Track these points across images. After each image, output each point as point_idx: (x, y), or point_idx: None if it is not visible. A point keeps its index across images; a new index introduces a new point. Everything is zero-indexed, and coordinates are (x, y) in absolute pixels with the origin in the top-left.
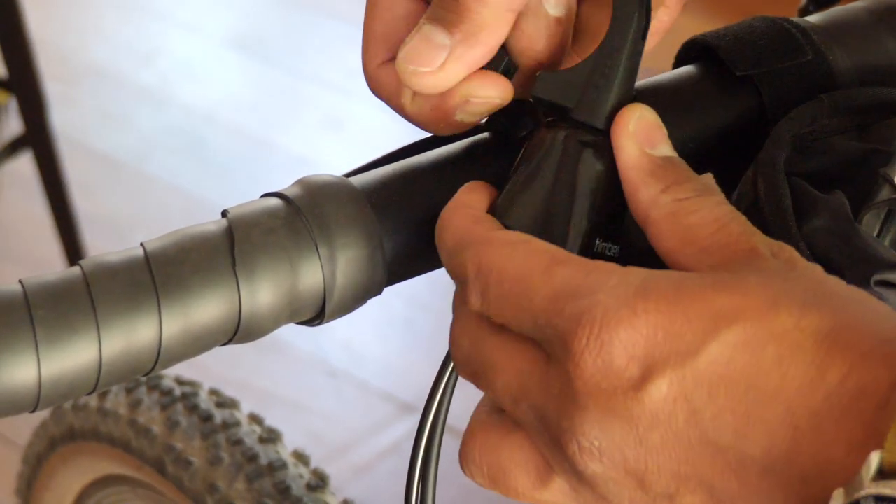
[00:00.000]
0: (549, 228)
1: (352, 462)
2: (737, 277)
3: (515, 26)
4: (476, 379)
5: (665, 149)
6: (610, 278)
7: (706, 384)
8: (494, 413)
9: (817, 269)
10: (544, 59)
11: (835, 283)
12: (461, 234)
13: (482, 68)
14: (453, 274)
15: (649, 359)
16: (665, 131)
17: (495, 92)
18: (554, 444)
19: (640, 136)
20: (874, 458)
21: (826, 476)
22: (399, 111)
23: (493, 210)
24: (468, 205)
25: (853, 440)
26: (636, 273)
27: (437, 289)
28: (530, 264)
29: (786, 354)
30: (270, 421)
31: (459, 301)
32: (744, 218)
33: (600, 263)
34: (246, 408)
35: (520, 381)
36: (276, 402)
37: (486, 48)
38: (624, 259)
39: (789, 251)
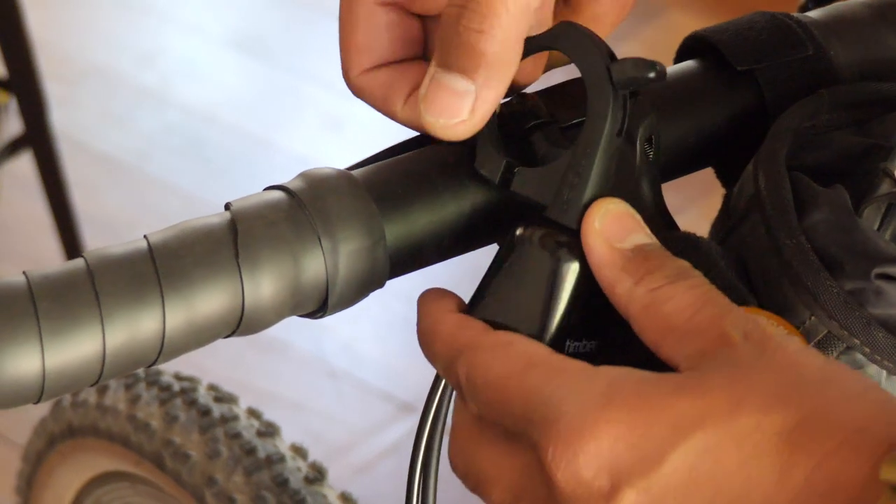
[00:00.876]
0: (521, 329)
1: (352, 462)
2: (701, 378)
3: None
4: (476, 491)
5: (637, 237)
6: (576, 383)
7: (673, 492)
8: None
9: (790, 347)
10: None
11: (806, 362)
12: (450, 341)
13: None
14: (451, 383)
15: (615, 469)
16: (636, 218)
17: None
18: None
19: (607, 233)
20: None
21: None
22: (390, 117)
23: (470, 306)
24: (447, 308)
25: None
26: (602, 376)
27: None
28: (508, 367)
29: (749, 457)
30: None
31: (458, 410)
32: (719, 298)
33: (569, 365)
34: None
35: (512, 492)
36: (277, 401)
37: (506, 82)
38: (606, 350)
39: (761, 330)
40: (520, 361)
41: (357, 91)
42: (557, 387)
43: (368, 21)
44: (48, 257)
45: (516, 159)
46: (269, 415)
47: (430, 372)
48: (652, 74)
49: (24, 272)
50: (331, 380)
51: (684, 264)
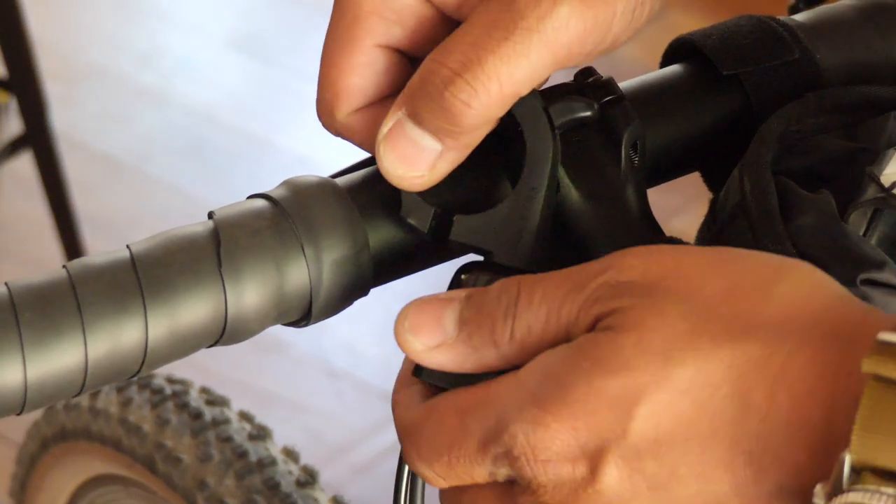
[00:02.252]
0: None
1: (352, 462)
2: (614, 344)
3: None
4: None
5: (449, 318)
6: (509, 397)
7: (648, 452)
8: None
9: (672, 264)
10: None
11: (695, 273)
12: (397, 418)
13: None
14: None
15: (587, 453)
16: (432, 302)
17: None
18: None
19: (429, 342)
20: (846, 459)
21: (802, 476)
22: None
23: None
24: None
25: (811, 444)
26: (526, 381)
27: (437, 289)
28: (448, 430)
29: (703, 401)
30: (271, 421)
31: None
32: (550, 289)
33: (494, 386)
34: (247, 408)
35: None
36: (277, 402)
37: (473, 146)
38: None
39: (627, 271)
40: (454, 417)
41: (343, 130)
42: (497, 409)
43: (366, 64)
44: (48, 257)
45: (444, 198)
46: (270, 415)
47: None
48: (588, 113)
49: (5, 283)
50: (331, 379)
51: (499, 290)
